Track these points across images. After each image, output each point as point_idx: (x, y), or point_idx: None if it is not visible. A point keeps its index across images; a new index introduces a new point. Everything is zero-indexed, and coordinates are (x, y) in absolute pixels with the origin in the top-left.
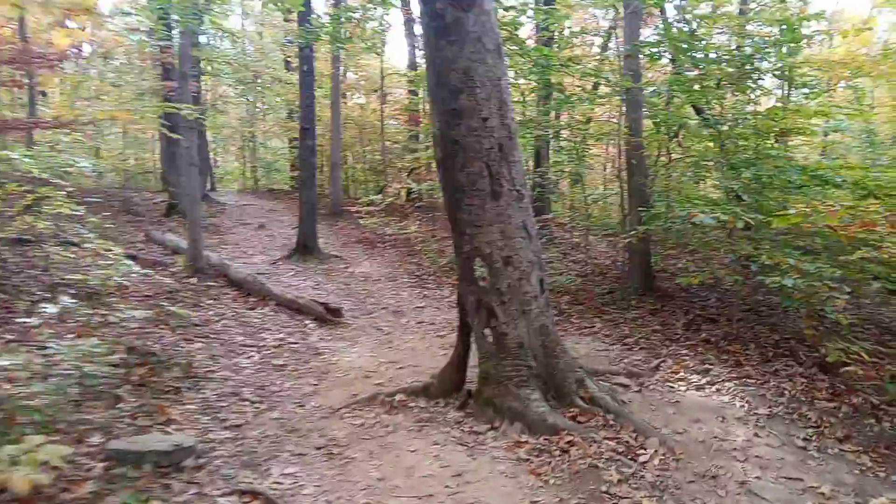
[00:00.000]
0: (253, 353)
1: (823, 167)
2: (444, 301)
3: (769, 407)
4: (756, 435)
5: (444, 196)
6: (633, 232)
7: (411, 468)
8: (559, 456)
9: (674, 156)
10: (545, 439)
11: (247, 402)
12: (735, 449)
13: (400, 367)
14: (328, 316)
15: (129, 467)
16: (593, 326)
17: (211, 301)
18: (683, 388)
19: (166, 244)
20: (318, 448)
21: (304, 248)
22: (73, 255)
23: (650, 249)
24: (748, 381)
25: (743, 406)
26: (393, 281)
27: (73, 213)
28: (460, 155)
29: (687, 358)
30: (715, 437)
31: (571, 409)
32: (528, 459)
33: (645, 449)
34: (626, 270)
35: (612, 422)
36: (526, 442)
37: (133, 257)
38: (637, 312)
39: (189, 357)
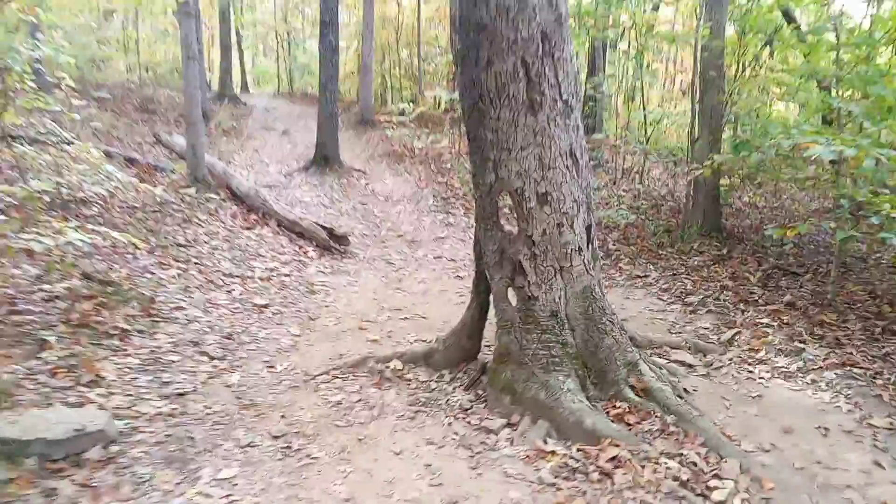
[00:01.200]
0: (235, 287)
1: None
2: (470, 232)
3: (889, 416)
4: (877, 463)
5: (463, 105)
6: (708, 162)
7: (391, 482)
8: (598, 482)
9: (762, 70)
10: (580, 450)
11: (205, 358)
12: (849, 486)
13: (405, 317)
14: (332, 243)
15: (2, 462)
16: (647, 276)
17: (205, 217)
18: (766, 375)
19: (174, 148)
20: (275, 438)
21: (324, 160)
22: (48, 157)
23: (719, 182)
24: (854, 370)
25: (851, 410)
26: (415, 203)
27: (48, 108)
28: (486, 46)
29: (769, 329)
30: (818, 462)
31: (618, 405)
32: (553, 483)
33: (720, 478)
34: (688, 205)
35: (672, 427)
36: (552, 452)
37: (132, 161)
38: (700, 259)
39: (155, 288)
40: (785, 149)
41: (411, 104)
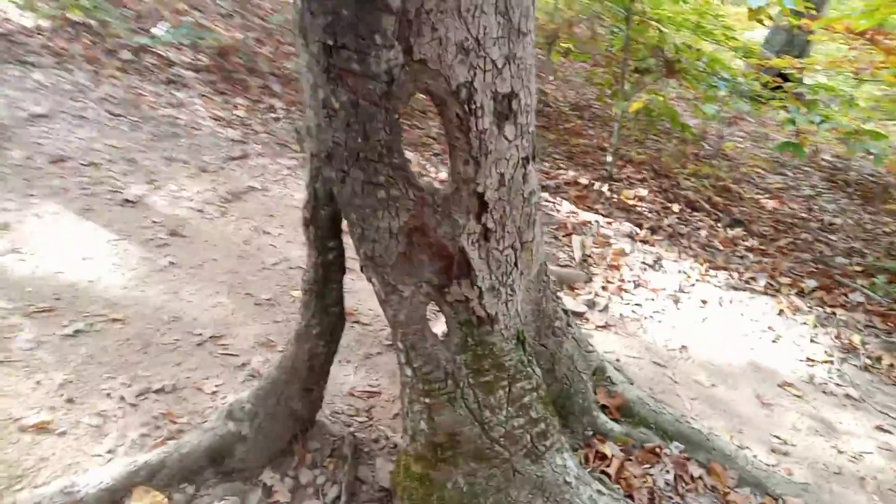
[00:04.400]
0: None
1: None
2: (91, 97)
3: (814, 341)
4: (880, 427)
5: None
6: None
7: None
8: None
9: None
10: None
11: None
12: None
13: (74, 328)
14: None
15: None
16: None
17: None
18: (656, 306)
19: None
20: None
21: None
22: None
23: None
24: (720, 274)
25: (781, 335)
26: None
27: None
28: None
29: (603, 230)
30: (839, 452)
31: (605, 452)
32: None
33: None
34: None
35: (689, 465)
36: None
37: None
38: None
39: None
40: None
41: None
